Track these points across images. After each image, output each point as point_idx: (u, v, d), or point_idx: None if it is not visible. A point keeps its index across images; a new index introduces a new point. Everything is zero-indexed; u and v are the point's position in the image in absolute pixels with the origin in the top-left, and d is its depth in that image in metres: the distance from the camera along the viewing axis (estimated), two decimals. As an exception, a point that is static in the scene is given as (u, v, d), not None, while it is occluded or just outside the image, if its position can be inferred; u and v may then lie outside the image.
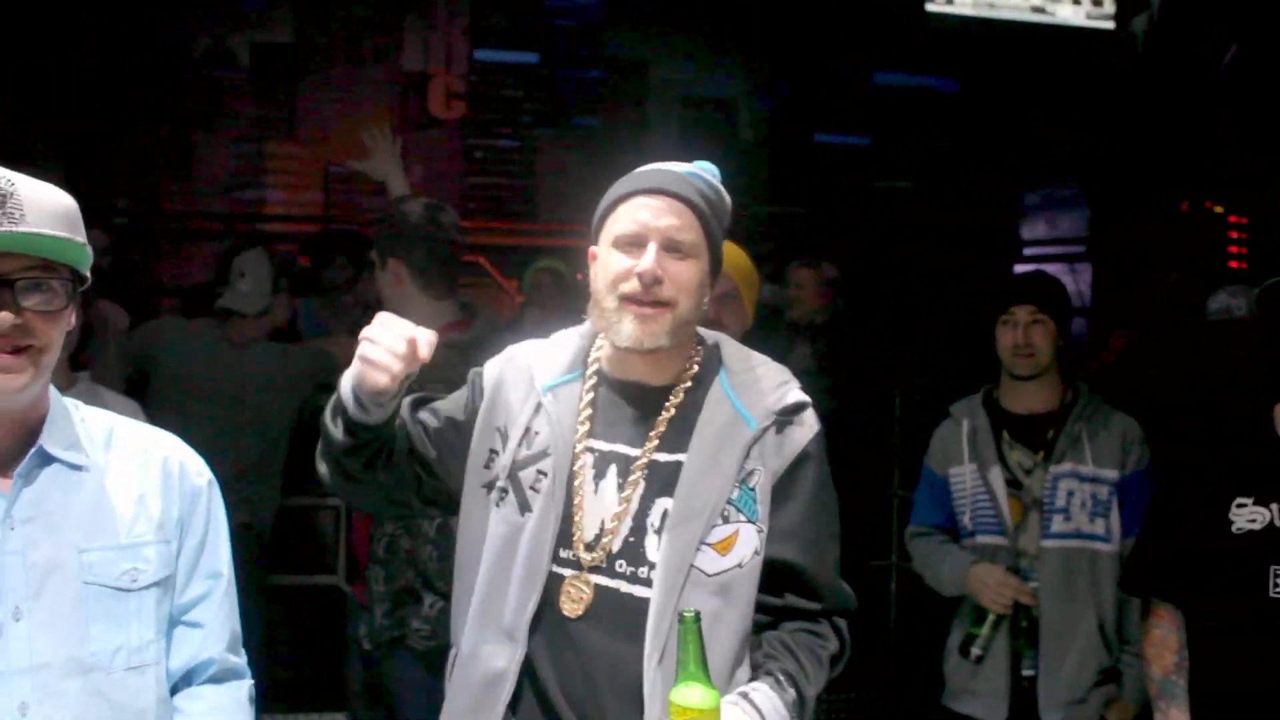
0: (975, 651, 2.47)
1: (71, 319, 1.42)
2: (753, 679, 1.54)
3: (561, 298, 4.15)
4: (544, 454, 1.62)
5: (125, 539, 1.44)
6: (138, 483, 1.48)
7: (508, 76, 6.66)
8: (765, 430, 1.60)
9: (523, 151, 6.68)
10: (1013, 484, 2.57)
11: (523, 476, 1.62)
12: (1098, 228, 6.01)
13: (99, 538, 1.42)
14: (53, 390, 1.47)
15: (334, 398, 1.61)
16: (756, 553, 1.57)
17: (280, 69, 6.33)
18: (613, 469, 1.62)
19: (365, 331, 1.51)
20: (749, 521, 1.57)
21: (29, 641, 1.36)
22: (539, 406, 1.65)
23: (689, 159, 1.69)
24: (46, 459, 1.42)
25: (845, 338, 4.41)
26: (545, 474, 1.60)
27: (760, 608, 1.58)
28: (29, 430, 1.41)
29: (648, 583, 1.55)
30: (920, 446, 2.80)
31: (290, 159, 6.32)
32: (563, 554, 1.59)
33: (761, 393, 1.63)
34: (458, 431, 1.70)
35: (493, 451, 1.65)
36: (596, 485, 1.61)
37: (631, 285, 1.58)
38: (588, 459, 1.62)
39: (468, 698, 1.60)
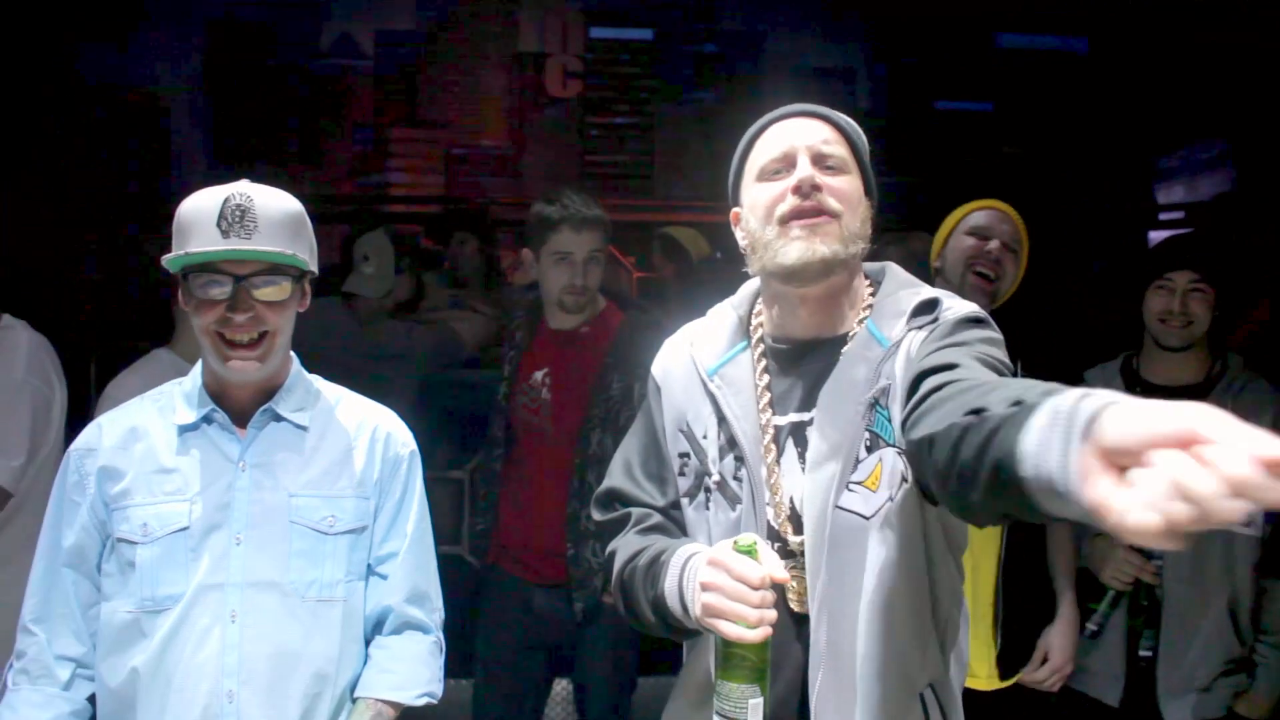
0: (1090, 627, 2.39)
1: (304, 304, 1.70)
2: (975, 413, 1.07)
3: (672, 265, 4.18)
4: (733, 441, 1.47)
5: (329, 490, 1.71)
6: (348, 445, 1.75)
7: (623, 53, 6.68)
8: (898, 345, 1.39)
9: (640, 128, 6.69)
10: (1147, 458, 2.46)
11: (723, 470, 1.48)
12: (1243, 189, 5.66)
13: (308, 486, 1.70)
14: (296, 363, 1.77)
15: (632, 586, 1.49)
16: (904, 480, 1.36)
17: (403, 56, 6.50)
18: (789, 441, 1.46)
19: (704, 577, 1.34)
20: (889, 444, 1.37)
21: (244, 561, 1.64)
22: (710, 394, 1.50)
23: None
24: (276, 417, 1.72)
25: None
26: (742, 460, 1.47)
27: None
28: (267, 394, 1.72)
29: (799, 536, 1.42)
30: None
31: (412, 143, 6.49)
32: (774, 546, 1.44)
33: (897, 313, 1.43)
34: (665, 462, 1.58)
35: (683, 456, 1.53)
36: (781, 463, 1.46)
37: (788, 204, 1.42)
38: (772, 436, 1.47)
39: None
